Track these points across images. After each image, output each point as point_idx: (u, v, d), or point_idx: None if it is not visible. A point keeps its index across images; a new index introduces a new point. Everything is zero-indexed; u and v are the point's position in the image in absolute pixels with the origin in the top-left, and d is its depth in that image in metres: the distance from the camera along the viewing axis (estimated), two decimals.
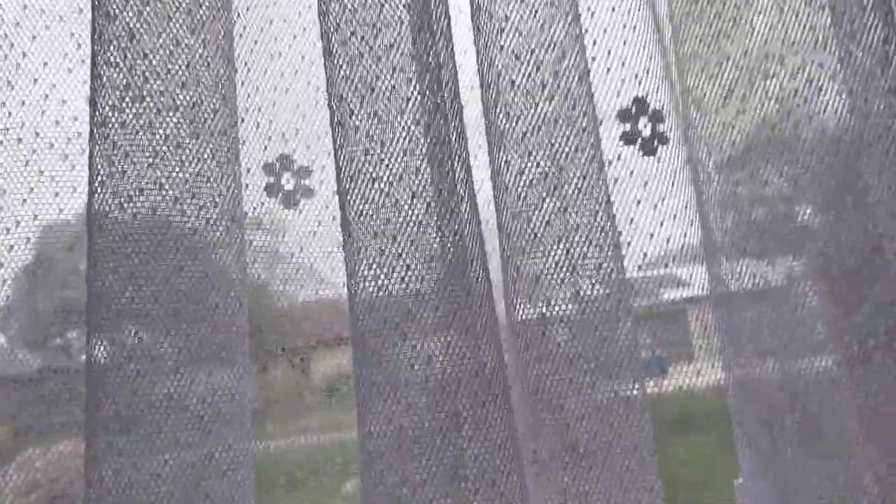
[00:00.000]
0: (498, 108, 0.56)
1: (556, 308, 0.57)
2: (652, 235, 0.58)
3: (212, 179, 0.53)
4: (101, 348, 0.51)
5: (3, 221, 0.59)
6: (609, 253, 0.55)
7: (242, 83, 0.59)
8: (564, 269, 0.55)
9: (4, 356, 0.61)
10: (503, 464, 0.52)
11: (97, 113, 0.51)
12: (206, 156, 0.53)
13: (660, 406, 0.68)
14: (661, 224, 0.58)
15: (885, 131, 0.56)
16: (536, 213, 0.55)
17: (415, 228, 0.53)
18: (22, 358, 0.62)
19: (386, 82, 0.54)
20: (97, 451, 0.49)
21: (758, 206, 0.60)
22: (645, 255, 0.59)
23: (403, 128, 0.53)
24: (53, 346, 0.65)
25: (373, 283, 0.53)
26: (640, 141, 0.59)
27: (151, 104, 0.52)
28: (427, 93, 0.54)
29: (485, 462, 0.52)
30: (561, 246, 0.55)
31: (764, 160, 0.59)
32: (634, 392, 0.57)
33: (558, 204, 0.55)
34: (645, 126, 0.59)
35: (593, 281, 0.56)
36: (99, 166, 0.51)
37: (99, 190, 0.50)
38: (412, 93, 0.54)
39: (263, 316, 0.64)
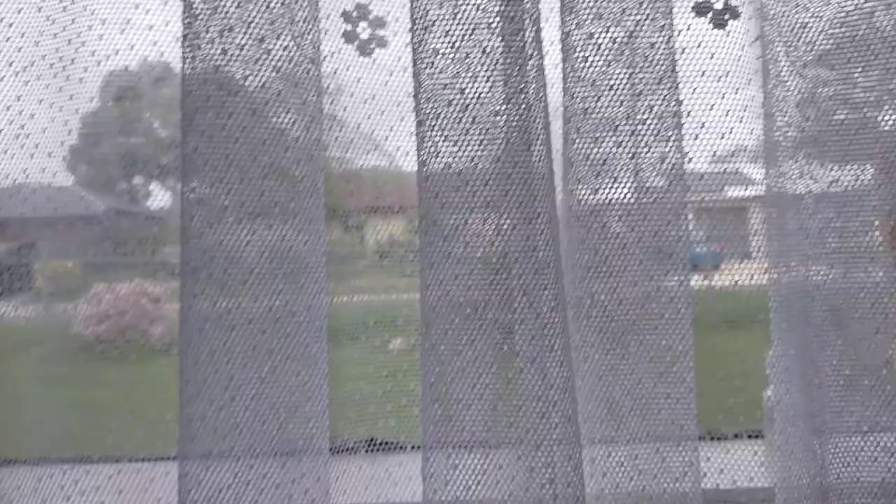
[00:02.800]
0: None
1: (616, 193, 0.60)
2: (712, 107, 0.60)
3: (294, 21, 0.56)
4: (186, 201, 0.55)
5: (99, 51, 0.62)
6: (670, 120, 0.57)
7: None
8: (624, 132, 0.58)
9: (74, 196, 0.65)
10: (549, 339, 0.56)
11: None
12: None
13: (708, 300, 0.71)
14: (723, 96, 0.60)
15: None
16: (602, 77, 0.57)
17: (483, 83, 0.56)
18: (89, 199, 0.66)
19: None
20: (185, 293, 0.54)
21: (833, 113, 0.60)
22: (703, 124, 0.61)
23: None
24: (119, 189, 0.69)
25: (440, 132, 0.56)
26: (711, 13, 0.60)
27: None
28: None
29: (533, 340, 0.56)
30: (623, 108, 0.58)
31: (845, 68, 0.59)
32: (681, 285, 0.60)
33: (624, 70, 0.57)
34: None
35: (650, 146, 0.59)
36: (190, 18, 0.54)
37: (191, 26, 0.53)
38: None
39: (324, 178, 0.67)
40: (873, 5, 0.59)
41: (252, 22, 0.55)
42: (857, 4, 0.59)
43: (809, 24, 0.60)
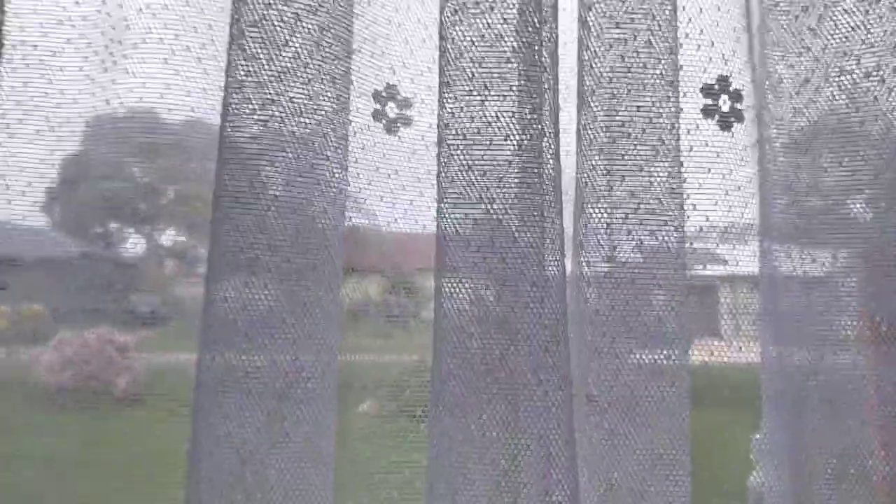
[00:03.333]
0: (592, 68, 0.61)
1: (617, 262, 0.62)
2: (716, 202, 0.64)
3: (329, 98, 0.59)
4: (217, 254, 0.56)
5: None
6: (675, 212, 0.60)
7: (362, 14, 0.64)
8: (633, 221, 0.61)
9: (47, 238, 0.64)
10: (556, 420, 0.57)
11: (236, 23, 0.57)
12: (325, 77, 0.59)
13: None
14: (727, 193, 0.64)
15: None
16: (616, 166, 0.61)
17: (504, 168, 0.59)
18: (63, 242, 0.65)
19: (494, 30, 0.59)
20: (206, 343, 0.55)
21: (813, 193, 0.65)
22: (707, 218, 0.64)
23: (504, 75, 0.59)
24: (93, 234, 0.67)
25: (460, 210, 0.59)
26: (717, 115, 0.64)
27: (285, 23, 0.57)
28: (528, 45, 0.60)
29: (539, 418, 0.57)
30: (632, 202, 0.61)
31: (827, 148, 0.64)
32: (679, 363, 0.63)
33: (636, 163, 0.61)
34: (724, 102, 0.64)
35: (654, 237, 0.62)
36: (233, 74, 0.56)
37: (235, 95, 0.56)
38: (515, 43, 0.59)
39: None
40: (861, 116, 0.64)
41: (292, 96, 0.57)
42: (846, 109, 0.64)
43: (801, 127, 0.65)
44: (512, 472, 0.58)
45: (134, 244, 0.68)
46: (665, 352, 0.63)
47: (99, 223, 0.68)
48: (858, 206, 0.65)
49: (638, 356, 0.63)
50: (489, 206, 0.59)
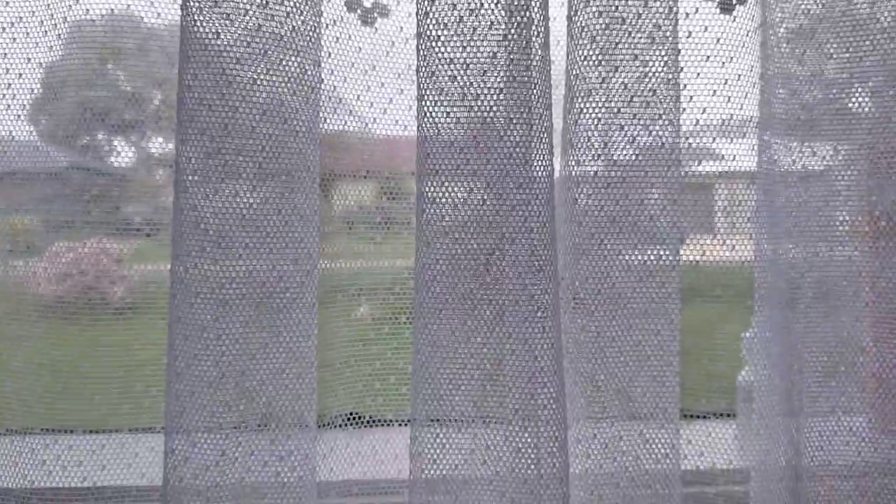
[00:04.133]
0: None
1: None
2: (714, 93, 0.60)
3: None
4: (184, 156, 0.53)
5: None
6: (671, 105, 0.57)
7: None
8: (625, 115, 0.57)
9: (34, 150, 0.63)
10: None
11: None
12: None
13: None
14: (726, 83, 0.60)
15: None
16: (607, 57, 0.56)
17: (488, 60, 0.55)
18: (51, 153, 0.64)
19: None
20: (180, 250, 0.53)
21: (817, 82, 0.61)
22: (704, 110, 0.60)
23: None
24: (81, 145, 0.66)
25: (442, 108, 0.55)
26: None
27: None
28: None
29: (525, 322, 0.56)
30: (626, 92, 0.57)
31: (833, 34, 0.60)
32: (670, 262, 0.61)
33: (630, 51, 0.56)
34: None
35: (650, 129, 0.59)
36: None
37: None
38: None
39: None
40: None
41: None
42: None
43: (797, 14, 0.60)
44: (497, 377, 0.57)
45: (122, 154, 0.67)
46: (656, 251, 0.61)
47: (86, 133, 0.66)
48: (863, 96, 0.61)
49: (628, 257, 0.61)
50: (472, 104, 0.55)
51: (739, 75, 0.60)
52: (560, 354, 0.57)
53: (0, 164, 0.61)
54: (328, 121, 0.63)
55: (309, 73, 0.55)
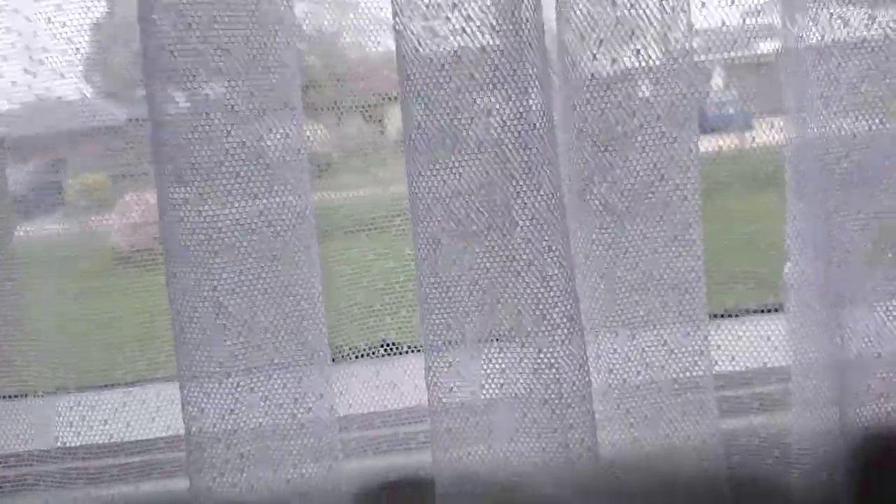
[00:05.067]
0: None
1: (610, 50, 0.55)
2: None
3: None
4: (165, 95, 0.52)
5: None
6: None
7: None
8: (623, 7, 0.52)
9: (93, 107, 0.63)
10: (547, 205, 0.53)
11: None
12: None
13: (739, 162, 0.67)
14: None
15: None
16: None
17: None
18: (110, 109, 0.65)
19: None
20: (174, 196, 0.52)
21: None
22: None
23: None
24: (138, 97, 0.65)
25: (420, 24, 0.52)
26: None
27: None
28: None
29: (529, 205, 0.54)
30: None
31: None
32: (688, 140, 0.57)
33: None
34: None
35: (653, 23, 0.54)
36: None
37: None
38: None
39: (337, 67, 0.63)
40: None
41: None
42: None
43: None
44: (506, 300, 0.55)
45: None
46: (677, 140, 0.57)
47: (141, 85, 0.66)
48: None
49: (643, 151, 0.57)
50: (449, 14, 0.51)
51: None
52: (572, 271, 0.55)
53: (65, 124, 0.63)
54: (378, 43, 0.61)
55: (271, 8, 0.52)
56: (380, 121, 0.66)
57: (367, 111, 0.65)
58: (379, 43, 0.63)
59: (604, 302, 0.59)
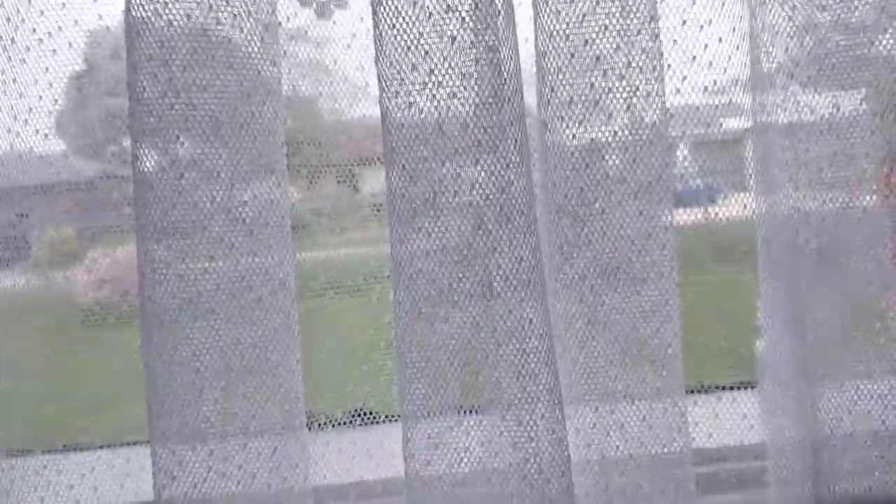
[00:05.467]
0: None
1: (589, 130, 0.57)
2: (694, 58, 0.56)
3: None
4: (151, 157, 0.53)
5: (44, 25, 0.60)
6: (649, 76, 0.53)
7: None
8: (600, 91, 0.54)
9: (64, 162, 0.63)
10: (525, 276, 0.54)
11: None
12: None
13: (706, 235, 0.69)
14: (705, 48, 0.56)
15: None
16: (576, 30, 0.53)
17: (448, 44, 0.52)
18: (80, 165, 0.64)
19: None
20: (156, 257, 0.52)
21: (828, 37, 0.57)
22: (685, 78, 0.57)
23: None
24: (109, 153, 0.66)
25: (404, 98, 0.53)
26: None
27: None
28: None
29: (510, 276, 0.54)
30: (599, 67, 0.54)
31: None
32: (664, 220, 0.58)
33: (599, 22, 0.53)
34: None
35: (628, 103, 0.56)
36: None
37: None
38: None
39: (313, 130, 0.65)
40: None
41: None
42: None
43: None
44: (487, 371, 0.55)
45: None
46: (653, 213, 0.58)
47: (113, 141, 0.67)
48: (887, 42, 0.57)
49: (623, 223, 0.58)
50: (435, 92, 0.53)
51: (720, 38, 0.56)
52: (551, 343, 0.55)
53: (36, 178, 0.62)
54: (350, 109, 0.62)
55: (266, 73, 0.54)
56: (354, 184, 0.66)
57: (341, 174, 0.66)
58: (354, 108, 0.65)
59: (583, 375, 0.60)
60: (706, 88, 0.61)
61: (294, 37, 0.62)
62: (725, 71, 0.59)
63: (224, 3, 0.52)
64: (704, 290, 0.73)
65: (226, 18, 0.52)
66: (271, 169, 0.55)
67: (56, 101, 0.61)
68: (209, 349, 0.52)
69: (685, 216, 0.70)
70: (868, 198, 0.60)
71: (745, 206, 0.66)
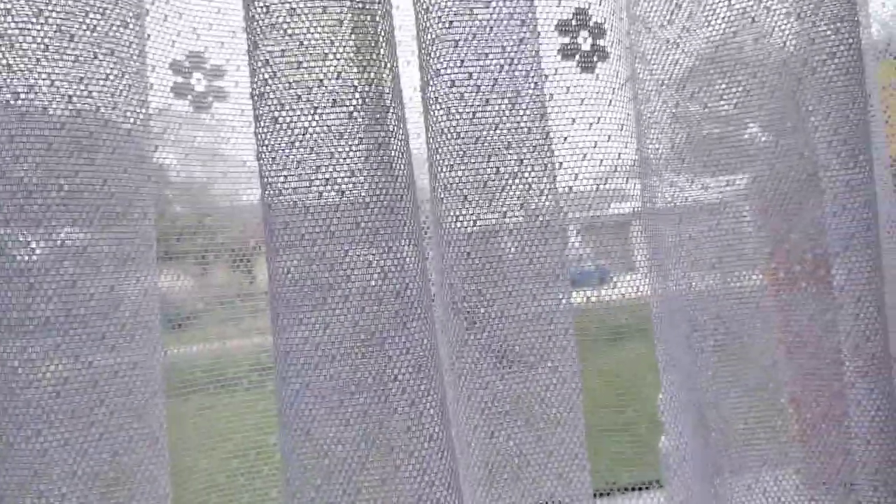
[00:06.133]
0: (431, 13, 0.52)
1: (483, 225, 0.55)
2: (585, 156, 0.56)
3: (111, 77, 0.48)
4: (30, 246, 0.47)
5: None
6: (541, 173, 0.52)
7: None
8: (494, 187, 0.53)
9: None
10: (424, 383, 0.50)
11: None
12: (104, 51, 0.48)
13: (600, 317, 0.68)
14: (595, 145, 0.56)
15: (830, 57, 0.54)
16: (466, 127, 0.52)
17: (336, 139, 0.49)
18: None
19: None
20: (34, 350, 0.46)
21: (698, 127, 0.58)
22: (576, 175, 0.56)
23: (326, 28, 0.49)
24: None
25: (289, 196, 0.50)
26: (578, 56, 0.56)
27: None
28: None
29: (405, 382, 0.50)
30: (491, 163, 0.53)
31: (706, 81, 0.57)
32: (560, 308, 0.56)
33: (490, 119, 0.52)
34: (585, 40, 0.56)
35: (523, 200, 0.54)
36: None
37: None
38: None
39: (203, 215, 0.60)
40: (741, 39, 0.56)
41: (55, 79, 0.47)
42: (722, 35, 0.57)
43: (679, 59, 0.57)
44: (385, 498, 0.50)
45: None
46: (549, 295, 0.56)
47: None
48: (745, 137, 0.59)
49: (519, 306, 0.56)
50: (322, 189, 0.50)
51: (609, 136, 0.56)
52: (455, 462, 0.51)
53: None
54: (250, 193, 0.59)
55: (134, 169, 0.49)
56: (249, 271, 0.62)
57: (235, 261, 0.61)
58: (250, 193, 0.61)
59: (482, 487, 0.55)
60: (594, 175, 0.61)
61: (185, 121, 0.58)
62: (615, 167, 0.59)
63: (85, 94, 0.48)
64: (602, 374, 0.72)
65: (87, 111, 0.48)
66: (145, 255, 0.50)
67: None
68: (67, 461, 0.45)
69: (577, 297, 0.69)
70: (756, 282, 0.61)
71: (636, 287, 0.65)
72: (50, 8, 0.46)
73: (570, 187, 0.56)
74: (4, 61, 0.45)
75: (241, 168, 0.60)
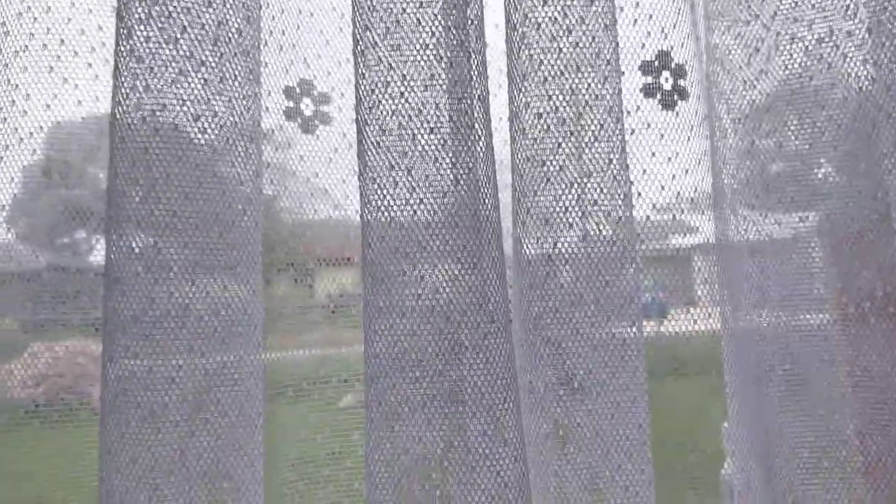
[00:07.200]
0: (521, 50, 0.56)
1: (563, 249, 0.58)
2: (663, 188, 0.59)
3: (232, 100, 0.54)
4: (121, 254, 0.52)
5: (27, 126, 0.60)
6: (619, 202, 0.56)
7: (267, 4, 0.59)
8: (574, 213, 0.56)
9: (13, 251, 0.62)
10: (500, 392, 0.54)
11: (122, 25, 0.52)
12: (227, 76, 0.53)
13: (657, 348, 0.70)
14: (674, 178, 0.59)
15: None
16: (551, 157, 0.56)
17: (430, 163, 0.54)
18: (29, 254, 0.63)
19: (411, 15, 0.53)
20: (114, 352, 0.51)
21: (771, 163, 0.61)
22: (654, 206, 0.59)
23: (425, 62, 0.54)
24: (60, 244, 0.66)
25: (385, 213, 0.54)
26: (660, 94, 0.59)
27: (177, 20, 0.52)
28: (452, 29, 0.54)
29: (483, 389, 0.54)
30: (573, 191, 0.56)
31: (781, 122, 0.59)
32: (632, 334, 0.59)
33: (574, 150, 0.56)
34: (666, 80, 0.59)
35: (601, 227, 0.57)
36: (123, 79, 0.51)
37: (122, 102, 0.51)
38: (436, 27, 0.54)
39: (272, 231, 0.65)
40: (818, 83, 0.59)
41: (187, 100, 0.52)
42: (799, 78, 0.59)
43: (756, 100, 0.60)
44: (459, 497, 0.54)
45: (101, 252, 0.65)
46: (621, 327, 0.59)
47: (65, 233, 0.66)
48: (819, 176, 0.61)
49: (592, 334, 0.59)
50: (416, 208, 0.54)
51: (687, 170, 0.59)
52: (526, 468, 0.54)
53: None
54: (311, 210, 0.62)
55: (247, 183, 0.54)
56: (310, 285, 0.66)
57: (297, 274, 0.65)
58: (316, 210, 0.65)
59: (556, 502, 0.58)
60: (656, 205, 0.63)
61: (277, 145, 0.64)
62: (692, 200, 0.61)
63: (210, 114, 0.54)
64: (664, 406, 0.74)
65: (211, 129, 0.53)
66: (246, 278, 0.55)
67: (15, 194, 0.61)
68: (169, 465, 0.50)
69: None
70: (817, 318, 0.62)
71: (694, 321, 0.67)
72: (185, 36, 0.52)
73: (648, 216, 0.59)
74: (144, 83, 0.51)
75: (308, 186, 0.65)
